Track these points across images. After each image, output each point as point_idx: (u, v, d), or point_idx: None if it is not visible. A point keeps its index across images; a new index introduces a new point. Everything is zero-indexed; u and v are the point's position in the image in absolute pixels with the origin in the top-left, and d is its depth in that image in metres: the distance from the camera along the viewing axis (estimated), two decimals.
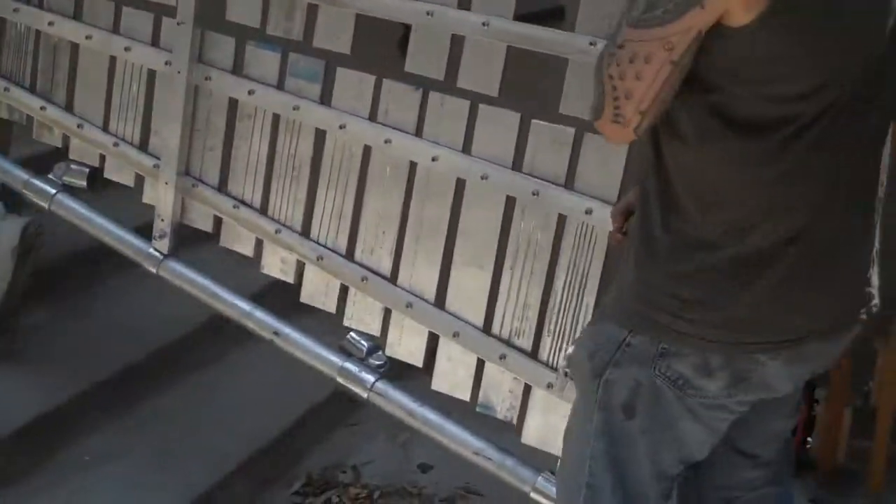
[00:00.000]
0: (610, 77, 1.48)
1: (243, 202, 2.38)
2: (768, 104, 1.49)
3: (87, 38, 2.50)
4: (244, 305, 2.42)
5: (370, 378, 2.29)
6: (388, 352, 2.30)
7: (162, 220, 2.46)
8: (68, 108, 2.57)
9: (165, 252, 2.47)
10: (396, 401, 2.28)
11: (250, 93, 2.32)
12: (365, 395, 2.29)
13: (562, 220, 2.06)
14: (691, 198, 1.58)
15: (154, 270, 2.49)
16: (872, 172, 1.65)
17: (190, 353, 3.00)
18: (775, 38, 1.44)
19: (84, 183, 2.60)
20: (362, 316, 2.30)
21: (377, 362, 2.34)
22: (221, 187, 2.41)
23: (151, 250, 2.48)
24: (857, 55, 1.50)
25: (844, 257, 1.64)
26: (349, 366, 2.31)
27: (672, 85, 1.47)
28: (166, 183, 2.43)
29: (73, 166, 2.60)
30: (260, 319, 2.40)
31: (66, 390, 2.70)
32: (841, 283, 1.65)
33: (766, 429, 1.85)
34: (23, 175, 2.64)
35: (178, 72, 2.37)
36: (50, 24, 2.54)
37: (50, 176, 2.61)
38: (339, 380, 2.31)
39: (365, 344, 2.34)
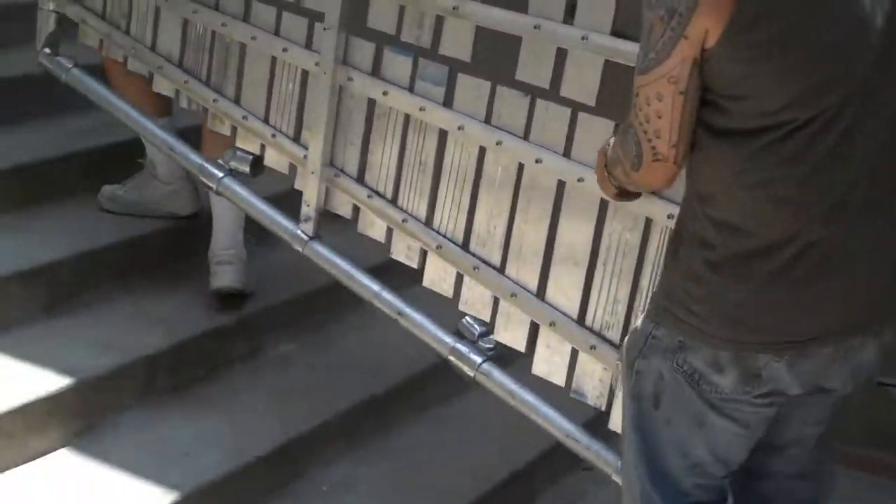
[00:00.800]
0: (640, 124, 1.66)
1: (377, 192, 2.62)
2: (746, 117, 1.63)
3: (253, 38, 2.79)
4: (375, 287, 2.66)
5: (478, 359, 2.50)
6: (496, 336, 2.49)
7: (308, 205, 2.73)
8: (236, 100, 2.87)
9: (310, 234, 2.75)
10: (500, 382, 2.48)
11: (385, 94, 2.55)
12: (472, 373, 2.50)
13: (648, 223, 2.20)
14: (694, 196, 1.74)
15: (301, 250, 2.77)
16: None
17: (426, 390, 3.25)
18: (738, 59, 1.57)
19: (247, 168, 2.90)
20: (474, 302, 2.51)
21: (487, 346, 2.53)
22: (360, 178, 2.66)
23: (298, 232, 2.76)
24: (836, 68, 1.60)
25: (860, 261, 1.73)
26: (460, 346, 2.52)
27: (690, 112, 1.63)
28: (312, 172, 2.70)
29: (238, 153, 2.90)
30: (387, 300, 2.64)
31: (308, 421, 2.98)
32: (857, 288, 1.74)
33: (795, 429, 1.94)
34: (197, 159, 2.97)
35: (325, 73, 2.62)
36: (223, 24, 2.85)
37: (220, 161, 2.94)
38: (451, 358, 2.53)
39: (478, 328, 2.54)
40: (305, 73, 2.72)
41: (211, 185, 2.92)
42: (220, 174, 2.91)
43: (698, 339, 1.77)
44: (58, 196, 3.35)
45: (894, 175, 1.73)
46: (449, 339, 2.54)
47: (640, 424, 1.89)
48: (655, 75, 1.62)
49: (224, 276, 3.23)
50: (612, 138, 1.85)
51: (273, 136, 2.79)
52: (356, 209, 2.68)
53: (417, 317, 2.59)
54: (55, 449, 2.73)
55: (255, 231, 3.17)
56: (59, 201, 3.34)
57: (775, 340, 1.74)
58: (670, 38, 1.60)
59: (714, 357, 1.78)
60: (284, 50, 2.73)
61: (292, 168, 2.80)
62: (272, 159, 2.84)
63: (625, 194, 1.92)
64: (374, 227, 2.66)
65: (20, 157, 3.34)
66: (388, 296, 2.64)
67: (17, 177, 3.30)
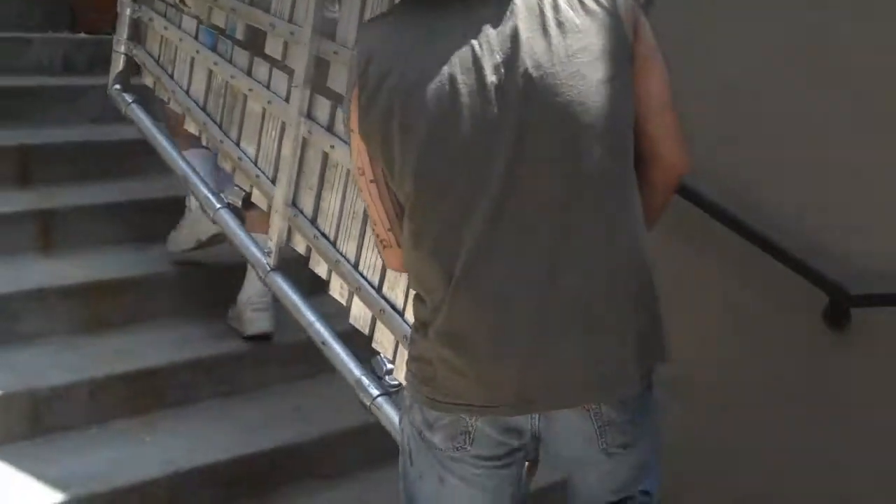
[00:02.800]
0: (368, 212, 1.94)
1: (323, 234, 2.92)
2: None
3: (250, 90, 3.16)
4: (311, 317, 2.97)
5: (375, 392, 2.75)
6: (396, 374, 2.74)
7: (271, 239, 3.07)
8: (237, 142, 3.25)
9: (272, 266, 3.08)
10: (389, 416, 2.72)
11: (332, 147, 2.87)
12: (368, 403, 2.75)
13: None
14: None
15: (263, 278, 3.11)
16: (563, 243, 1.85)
17: None
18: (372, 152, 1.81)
19: (239, 202, 3.27)
20: (384, 342, 2.76)
21: (391, 382, 2.78)
22: (313, 219, 2.96)
23: (264, 262, 3.10)
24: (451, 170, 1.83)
25: (521, 322, 1.85)
26: (364, 379, 2.78)
27: (392, 196, 1.87)
28: (276, 211, 3.03)
29: (234, 188, 3.28)
30: (317, 330, 2.93)
31: None
32: (523, 357, 1.86)
33: (579, 492, 2.08)
34: (203, 191, 3.37)
35: (291, 124, 2.97)
36: (232, 76, 3.24)
37: (221, 194, 3.32)
38: (355, 389, 2.79)
39: (386, 366, 2.80)
40: (283, 124, 3.06)
41: (209, 213, 3.31)
42: (218, 205, 3.29)
43: (411, 397, 1.97)
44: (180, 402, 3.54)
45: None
46: (357, 371, 2.80)
47: (403, 477, 2.06)
48: (353, 168, 1.89)
49: (263, 322, 3.63)
50: None
51: (257, 176, 3.14)
52: (308, 248, 2.99)
53: (336, 347, 2.88)
54: None
55: None
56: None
57: (458, 402, 1.90)
58: (346, 132, 1.87)
59: (423, 414, 1.95)
60: (269, 102, 3.09)
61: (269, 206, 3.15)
62: (256, 197, 3.19)
63: None
64: (319, 266, 2.95)
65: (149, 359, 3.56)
66: (319, 326, 2.93)
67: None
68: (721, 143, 3.32)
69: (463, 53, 1.83)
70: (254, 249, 3.17)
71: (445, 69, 1.82)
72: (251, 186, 3.21)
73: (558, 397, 1.90)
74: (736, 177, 3.42)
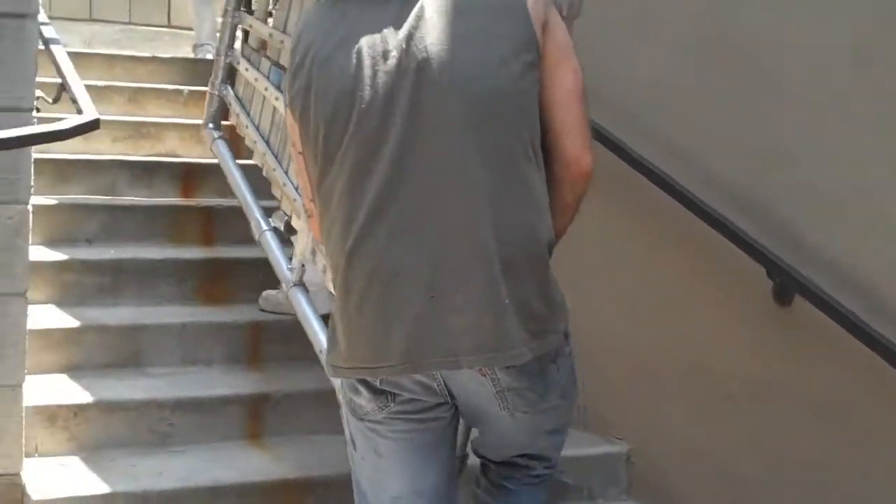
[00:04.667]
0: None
1: None
2: None
3: None
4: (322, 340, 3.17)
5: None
6: None
7: (296, 257, 3.31)
8: (286, 171, 3.53)
9: (295, 281, 3.32)
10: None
11: None
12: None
13: None
14: None
15: (286, 290, 3.35)
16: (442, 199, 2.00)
17: None
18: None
19: (282, 226, 3.55)
20: None
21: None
22: None
23: (290, 276, 3.35)
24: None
25: (408, 289, 2.00)
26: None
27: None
28: (301, 231, 3.28)
29: (278, 212, 3.56)
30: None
31: None
32: (409, 317, 2.01)
33: (486, 441, 2.26)
34: (256, 213, 3.66)
35: None
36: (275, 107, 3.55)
37: (270, 218, 3.61)
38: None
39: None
40: None
41: (256, 235, 3.59)
42: (265, 228, 3.57)
43: (333, 374, 2.19)
44: None
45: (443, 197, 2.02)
46: None
47: (353, 466, 2.25)
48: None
49: None
50: None
51: (294, 200, 3.41)
52: (325, 268, 3.22)
53: None
54: None
55: None
56: None
57: (356, 366, 2.09)
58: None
59: (351, 381, 2.14)
60: None
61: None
62: (295, 221, 3.46)
63: None
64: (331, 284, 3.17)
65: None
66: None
67: None
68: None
69: (374, 28, 2.04)
70: (285, 269, 3.42)
71: (357, 42, 2.04)
72: (291, 211, 3.48)
73: (444, 361, 2.04)
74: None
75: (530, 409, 2.13)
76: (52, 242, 4.05)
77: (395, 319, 2.02)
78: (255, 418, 3.54)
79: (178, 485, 3.20)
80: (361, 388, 2.12)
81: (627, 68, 3.62)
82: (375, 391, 2.11)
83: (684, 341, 3.55)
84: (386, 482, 2.18)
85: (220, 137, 4.05)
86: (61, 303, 3.87)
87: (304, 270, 3.29)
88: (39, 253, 3.85)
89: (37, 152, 3.12)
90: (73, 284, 3.93)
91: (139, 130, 4.93)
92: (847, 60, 3.08)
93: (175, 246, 4.27)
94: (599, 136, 3.40)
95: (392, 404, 2.11)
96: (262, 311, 4.00)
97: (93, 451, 3.32)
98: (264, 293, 4.02)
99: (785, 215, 3.25)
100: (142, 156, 4.83)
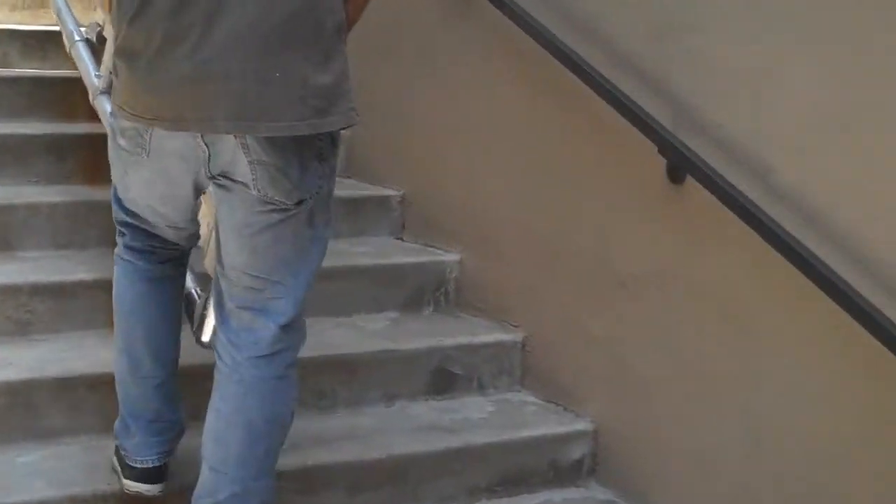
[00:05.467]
0: None
1: None
2: None
3: None
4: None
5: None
6: None
7: (104, 65, 3.13)
8: None
9: (103, 88, 3.11)
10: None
11: None
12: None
13: None
14: None
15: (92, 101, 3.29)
16: None
17: None
18: None
19: (94, 37, 3.50)
20: None
21: None
22: None
23: (97, 83, 3.24)
24: None
25: (180, 52, 2.08)
26: None
27: None
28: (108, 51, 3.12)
29: (92, 23, 3.55)
30: None
31: None
32: (180, 79, 2.10)
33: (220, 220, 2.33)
34: (70, 25, 3.64)
35: None
36: None
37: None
38: None
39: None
40: None
41: (68, 47, 3.63)
42: (77, 38, 3.57)
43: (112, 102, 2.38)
44: None
45: None
46: None
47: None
48: None
49: None
50: None
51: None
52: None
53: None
54: None
55: None
56: None
57: (133, 112, 2.23)
58: None
59: (118, 122, 2.34)
60: None
61: None
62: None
63: None
64: None
65: None
66: None
67: None
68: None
69: None
70: (92, 76, 3.35)
71: None
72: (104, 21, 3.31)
73: (206, 122, 2.12)
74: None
75: (279, 201, 2.19)
76: None
77: (167, 75, 2.11)
78: None
79: (26, 375, 2.99)
80: (127, 135, 2.28)
81: None
82: (136, 142, 2.26)
83: (580, 223, 3.30)
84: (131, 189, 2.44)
85: None
86: None
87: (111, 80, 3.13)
88: None
89: None
90: None
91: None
92: None
93: (61, 121, 3.96)
94: None
95: (146, 157, 2.28)
96: None
97: None
98: None
99: (682, 88, 2.96)
100: (40, 26, 4.51)
